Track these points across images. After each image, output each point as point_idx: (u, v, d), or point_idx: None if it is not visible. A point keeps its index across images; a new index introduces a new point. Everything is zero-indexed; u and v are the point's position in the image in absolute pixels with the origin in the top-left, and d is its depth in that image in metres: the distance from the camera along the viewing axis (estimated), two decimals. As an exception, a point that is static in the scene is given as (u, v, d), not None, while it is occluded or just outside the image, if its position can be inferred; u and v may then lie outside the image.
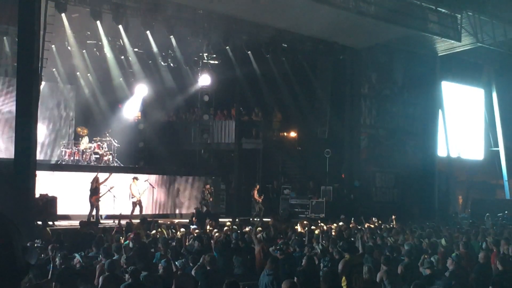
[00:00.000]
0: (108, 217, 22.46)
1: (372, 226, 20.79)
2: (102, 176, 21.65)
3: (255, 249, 14.33)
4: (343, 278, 10.70)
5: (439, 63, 33.26)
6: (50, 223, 19.47)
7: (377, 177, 30.81)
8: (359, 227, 20.12)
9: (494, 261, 12.65)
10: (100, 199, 21.16)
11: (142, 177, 23.99)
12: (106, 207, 22.36)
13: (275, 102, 30.96)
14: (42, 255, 12.08)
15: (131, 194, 23.05)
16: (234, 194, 29.83)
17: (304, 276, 10.29)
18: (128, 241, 14.66)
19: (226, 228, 18.33)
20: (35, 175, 18.89)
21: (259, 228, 17.56)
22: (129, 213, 22.65)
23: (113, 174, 22.72)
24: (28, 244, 12.19)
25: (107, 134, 26.24)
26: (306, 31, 27.54)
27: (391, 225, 21.45)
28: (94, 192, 21.07)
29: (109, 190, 21.87)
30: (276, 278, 10.36)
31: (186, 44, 27.39)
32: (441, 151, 34.51)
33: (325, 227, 19.68)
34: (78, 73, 28.83)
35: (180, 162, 29.64)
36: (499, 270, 11.47)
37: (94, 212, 21.14)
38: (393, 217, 22.48)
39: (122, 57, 28.14)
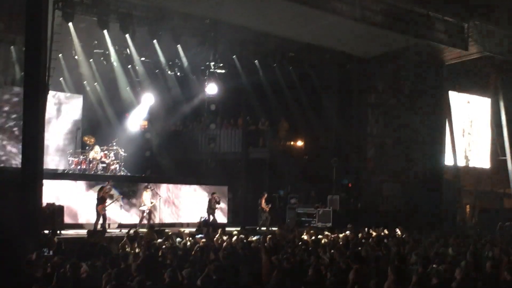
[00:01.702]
0: (120, 226, 22.46)
1: (379, 235, 20.67)
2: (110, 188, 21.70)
3: (262, 258, 14.24)
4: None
5: (446, 72, 33.17)
6: (58, 232, 19.47)
7: (384, 186, 30.70)
8: (366, 236, 20.02)
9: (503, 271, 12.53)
10: (106, 208, 21.12)
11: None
12: (113, 216, 22.35)
13: (282, 111, 30.92)
14: (49, 264, 12.07)
15: (142, 202, 23.05)
16: (240, 203, 29.79)
17: (311, 286, 10.23)
18: (135, 250, 14.64)
19: (233, 238, 18.24)
20: (42, 184, 18.88)
21: (269, 237, 17.50)
22: (136, 222, 22.74)
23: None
24: (34, 254, 12.22)
25: (114, 143, 26.26)
26: (312, 40, 27.53)
27: (397, 235, 21.27)
28: (101, 201, 21.05)
29: (116, 200, 21.87)
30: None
31: (193, 53, 27.43)
32: (448, 160, 34.39)
33: (331, 237, 19.60)
34: (85, 82, 28.89)
35: (187, 171, 29.65)
36: (507, 280, 11.36)
37: (101, 221, 21.11)
38: (398, 229, 22.12)
39: (129, 66, 28.21)
